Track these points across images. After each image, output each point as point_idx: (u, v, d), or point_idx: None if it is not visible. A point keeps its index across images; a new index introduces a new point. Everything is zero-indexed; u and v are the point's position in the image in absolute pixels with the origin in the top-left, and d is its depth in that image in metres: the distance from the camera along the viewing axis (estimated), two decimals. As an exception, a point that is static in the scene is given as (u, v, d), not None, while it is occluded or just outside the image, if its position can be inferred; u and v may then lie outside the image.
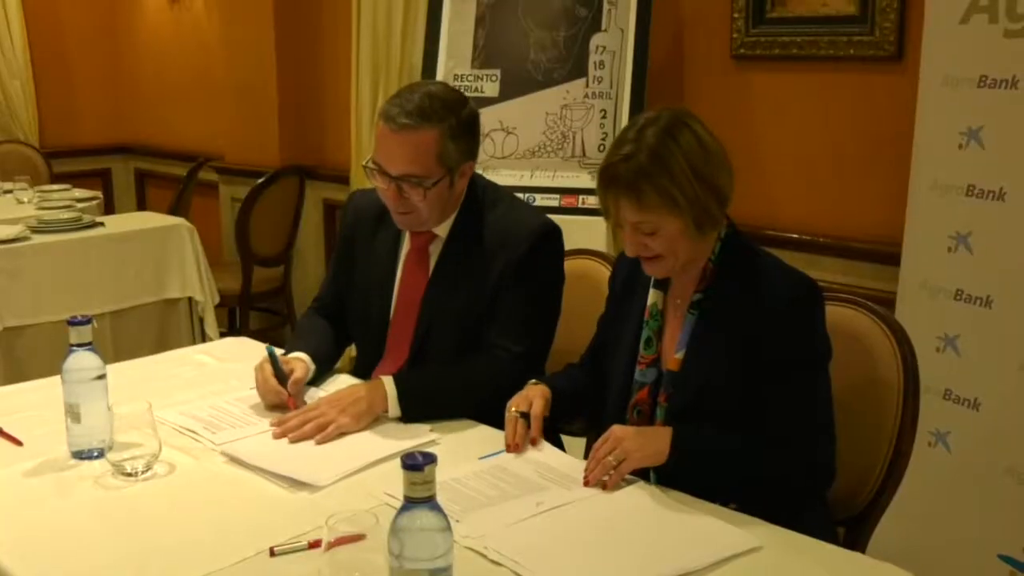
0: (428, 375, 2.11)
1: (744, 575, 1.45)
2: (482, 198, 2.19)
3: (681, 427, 1.73)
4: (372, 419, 1.97)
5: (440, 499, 1.50)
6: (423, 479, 1.19)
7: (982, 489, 2.63)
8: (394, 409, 1.99)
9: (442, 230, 2.18)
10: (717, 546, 1.49)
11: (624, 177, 1.74)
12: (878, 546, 1.91)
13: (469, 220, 2.17)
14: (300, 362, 2.13)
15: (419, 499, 1.19)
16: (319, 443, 1.89)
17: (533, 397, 1.92)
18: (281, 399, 2.05)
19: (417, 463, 1.18)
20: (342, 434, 1.92)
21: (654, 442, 1.71)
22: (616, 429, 1.73)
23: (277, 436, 1.91)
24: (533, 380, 1.99)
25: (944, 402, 2.71)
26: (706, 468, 1.72)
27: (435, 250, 2.19)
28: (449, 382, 2.09)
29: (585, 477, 1.71)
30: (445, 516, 1.21)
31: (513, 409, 1.89)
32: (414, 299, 2.19)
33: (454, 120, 2.05)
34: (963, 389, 2.68)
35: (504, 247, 2.11)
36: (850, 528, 1.94)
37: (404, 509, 1.20)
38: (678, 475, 1.70)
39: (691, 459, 1.71)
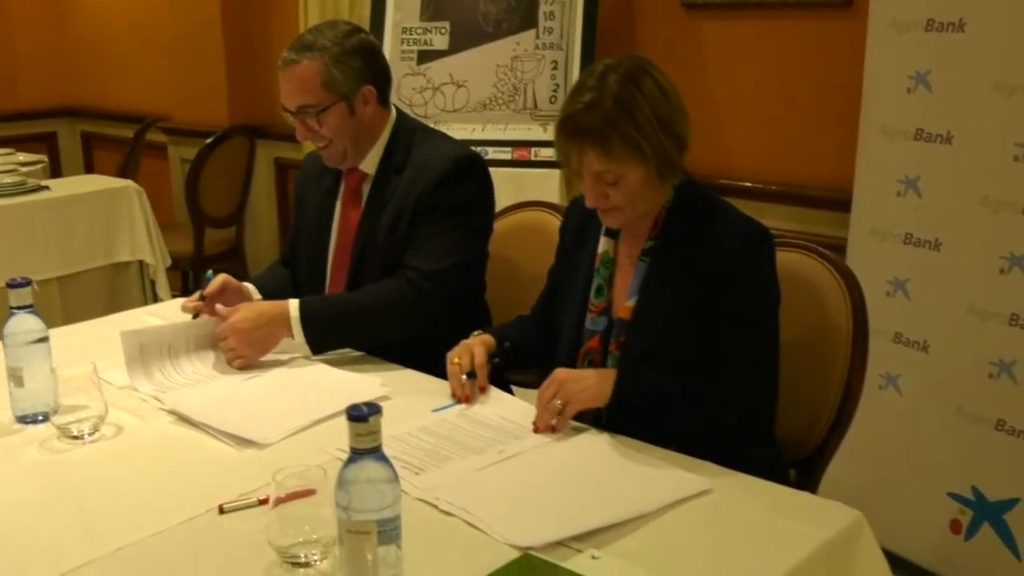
0: (333, 297, 2.18)
1: (694, 517, 1.46)
2: (411, 136, 2.25)
3: (623, 368, 1.73)
4: (274, 345, 2.08)
5: (393, 453, 1.51)
6: (368, 430, 1.17)
7: (931, 429, 2.68)
8: (298, 332, 2.06)
9: (370, 167, 2.24)
10: (668, 490, 1.50)
11: (588, 125, 1.71)
12: (829, 487, 1.93)
13: (396, 157, 2.23)
14: (242, 284, 2.23)
15: (365, 450, 1.18)
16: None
17: (473, 346, 1.91)
18: (197, 308, 2.15)
19: (362, 414, 1.17)
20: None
21: (596, 383, 1.71)
22: (559, 372, 1.73)
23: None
24: (477, 331, 1.98)
25: (894, 345, 2.74)
26: (648, 408, 1.72)
27: (366, 188, 2.26)
28: (352, 303, 2.14)
29: (534, 424, 1.71)
30: (392, 467, 1.20)
31: (456, 360, 1.87)
32: (349, 238, 2.26)
33: (337, 49, 2.14)
34: (913, 332, 2.71)
35: (422, 177, 2.17)
36: (801, 470, 1.96)
37: (350, 461, 1.19)
38: (622, 415, 1.71)
39: (634, 398, 1.71)
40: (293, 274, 2.41)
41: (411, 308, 2.09)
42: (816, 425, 1.97)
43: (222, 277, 2.18)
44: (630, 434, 1.70)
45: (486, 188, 2.23)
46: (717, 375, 1.74)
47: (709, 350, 1.75)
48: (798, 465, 1.96)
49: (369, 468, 1.18)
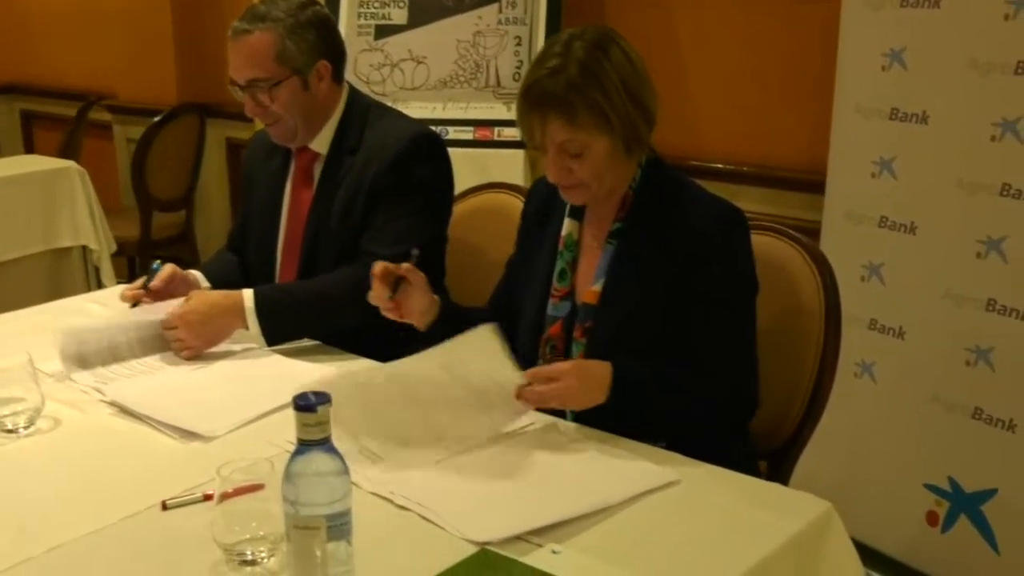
0: (288, 286, 2.17)
1: (660, 510, 1.47)
2: (365, 114, 2.24)
3: (619, 366, 1.70)
4: (226, 337, 2.06)
5: (345, 447, 1.49)
6: (316, 420, 1.17)
7: (908, 418, 2.71)
8: (253, 324, 2.04)
9: (321, 147, 2.23)
10: (633, 482, 1.51)
11: (552, 92, 1.69)
12: (801, 479, 1.95)
13: (349, 136, 2.22)
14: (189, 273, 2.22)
15: (312, 441, 1.18)
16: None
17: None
18: (137, 297, 2.14)
19: (309, 403, 1.16)
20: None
21: (595, 388, 1.68)
22: (564, 372, 1.68)
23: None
24: None
25: (869, 332, 2.77)
26: (642, 404, 1.72)
27: (318, 168, 2.24)
28: (307, 291, 2.13)
29: (521, 393, 1.66)
30: (341, 459, 1.20)
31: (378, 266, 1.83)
32: (300, 221, 2.25)
33: (291, 21, 2.12)
34: (888, 318, 2.73)
35: (377, 157, 2.16)
36: (773, 461, 1.97)
37: (297, 453, 1.18)
38: (616, 412, 1.69)
39: (629, 398, 1.70)
40: (242, 260, 2.39)
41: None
42: (788, 415, 1.98)
43: (169, 268, 2.17)
44: (597, 424, 1.70)
45: (444, 168, 2.23)
46: (703, 364, 1.74)
47: (679, 336, 1.76)
48: (769, 456, 1.97)
49: (317, 460, 1.18)
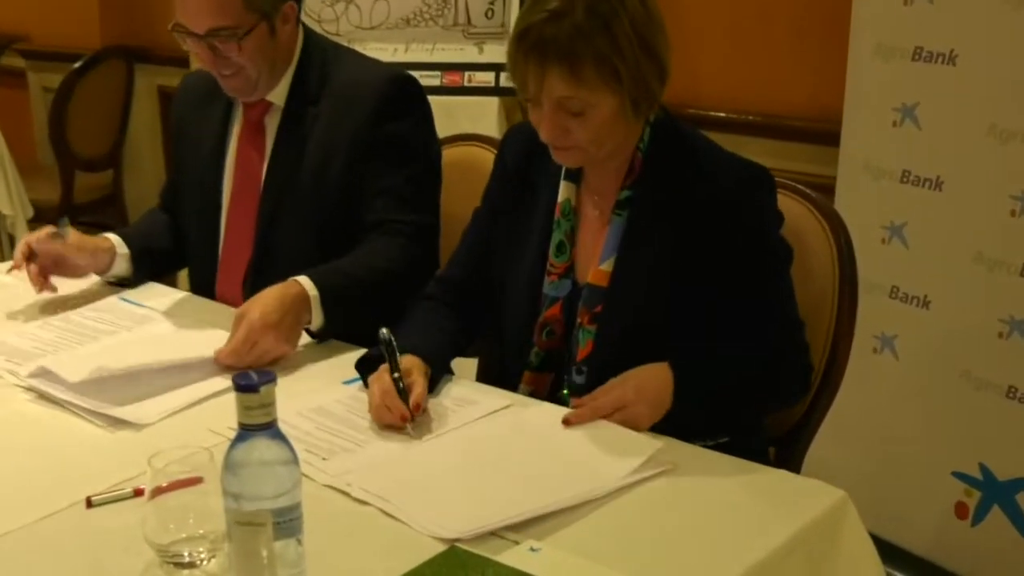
0: (341, 266, 2.08)
1: (652, 501, 1.47)
2: (323, 58, 2.20)
3: (679, 371, 1.68)
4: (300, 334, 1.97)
5: (298, 435, 1.57)
6: (259, 402, 1.16)
7: (933, 398, 2.73)
8: (317, 315, 1.98)
9: (277, 97, 2.19)
10: (622, 470, 1.52)
11: (554, 39, 1.64)
12: (814, 467, 1.95)
13: (309, 84, 2.18)
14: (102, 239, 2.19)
15: (256, 426, 1.17)
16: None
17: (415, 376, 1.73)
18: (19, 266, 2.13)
19: (251, 383, 1.15)
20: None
21: (660, 405, 1.67)
22: (622, 392, 1.67)
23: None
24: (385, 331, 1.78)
25: (891, 301, 2.78)
26: (708, 404, 1.72)
27: (271, 122, 2.20)
28: (361, 269, 2.07)
29: (568, 419, 1.66)
30: (290, 446, 1.19)
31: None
32: (252, 184, 2.20)
33: None
34: (911, 285, 2.75)
35: (350, 108, 2.13)
36: (780, 447, 1.98)
37: (239, 439, 1.18)
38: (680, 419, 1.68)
39: (696, 400, 1.69)
40: (176, 224, 2.37)
41: (421, 262, 2.08)
42: None
43: (77, 236, 2.15)
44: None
45: (429, 112, 2.22)
46: (757, 343, 1.74)
47: (704, 319, 1.75)
48: (777, 442, 1.98)
49: (261, 447, 1.17)
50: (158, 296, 2.25)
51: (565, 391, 1.83)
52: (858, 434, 2.78)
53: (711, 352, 1.73)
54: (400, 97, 2.15)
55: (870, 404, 2.79)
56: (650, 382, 1.67)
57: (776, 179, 1.99)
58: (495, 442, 1.63)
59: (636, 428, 1.63)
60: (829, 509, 1.47)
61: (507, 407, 1.75)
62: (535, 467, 1.55)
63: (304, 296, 1.95)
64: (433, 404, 1.73)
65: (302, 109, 2.17)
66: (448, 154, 2.38)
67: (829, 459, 2.10)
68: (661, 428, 1.66)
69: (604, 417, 1.64)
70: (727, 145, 1.84)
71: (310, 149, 2.14)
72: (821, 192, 2.06)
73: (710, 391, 1.71)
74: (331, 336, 2.00)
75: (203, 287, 2.28)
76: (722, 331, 1.74)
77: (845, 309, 1.96)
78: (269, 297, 1.92)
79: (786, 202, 1.99)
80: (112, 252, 2.22)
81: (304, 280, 1.96)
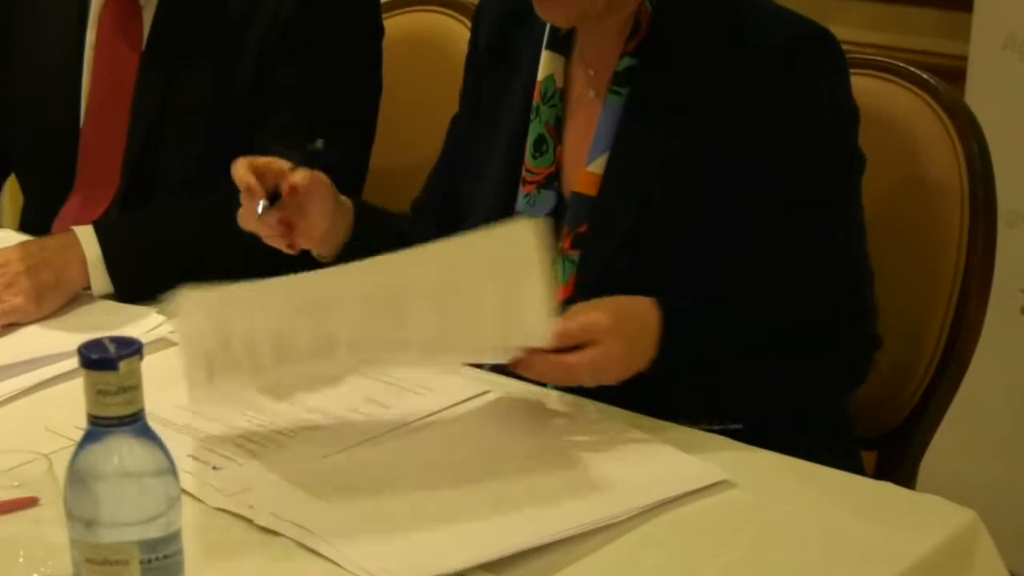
0: (151, 215, 1.90)
1: (696, 528, 1.24)
2: None
3: (666, 307, 1.43)
4: (65, 298, 1.75)
5: (176, 433, 1.38)
6: (119, 384, 0.96)
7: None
8: (99, 278, 1.77)
9: None
10: (658, 486, 1.28)
11: None
12: (931, 477, 1.77)
13: None
14: None
15: (114, 420, 0.98)
16: None
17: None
18: None
19: (107, 357, 0.96)
20: (12, 324, 1.74)
21: (641, 350, 1.39)
22: (603, 330, 1.38)
23: None
24: None
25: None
26: (706, 367, 1.47)
27: (148, 4, 1.99)
28: (190, 222, 1.88)
29: (523, 364, 1.39)
30: (163, 448, 1.03)
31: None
32: (120, 90, 1.99)
33: None
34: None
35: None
36: (883, 450, 1.80)
37: (90, 439, 1.00)
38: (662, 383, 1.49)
39: (686, 357, 1.44)
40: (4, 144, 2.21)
41: None
42: (906, 375, 1.78)
43: None
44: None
45: (369, 4, 2.07)
46: (796, 283, 1.50)
47: (732, 246, 1.52)
48: (878, 443, 1.81)
49: (123, 451, 1.00)
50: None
51: None
52: (994, 432, 2.56)
53: (730, 299, 1.54)
54: None
55: (1013, 389, 2.53)
56: (634, 319, 1.44)
57: (876, 58, 1.77)
58: (465, 444, 1.44)
59: (602, 378, 1.42)
60: (953, 535, 1.29)
61: (484, 394, 1.53)
62: (522, 478, 1.35)
63: (78, 254, 1.73)
64: (378, 387, 1.53)
65: None
66: (402, 23, 2.17)
67: (949, 467, 1.94)
68: (635, 402, 1.48)
69: (563, 359, 1.34)
70: (797, 5, 1.57)
71: (205, 50, 1.95)
72: (944, 77, 1.83)
73: (720, 350, 1.48)
74: (139, 297, 1.87)
75: (38, 226, 2.11)
76: (750, 269, 1.54)
77: (978, 250, 1.74)
78: (24, 248, 1.76)
79: (893, 92, 1.76)
80: None
81: (83, 232, 1.79)
